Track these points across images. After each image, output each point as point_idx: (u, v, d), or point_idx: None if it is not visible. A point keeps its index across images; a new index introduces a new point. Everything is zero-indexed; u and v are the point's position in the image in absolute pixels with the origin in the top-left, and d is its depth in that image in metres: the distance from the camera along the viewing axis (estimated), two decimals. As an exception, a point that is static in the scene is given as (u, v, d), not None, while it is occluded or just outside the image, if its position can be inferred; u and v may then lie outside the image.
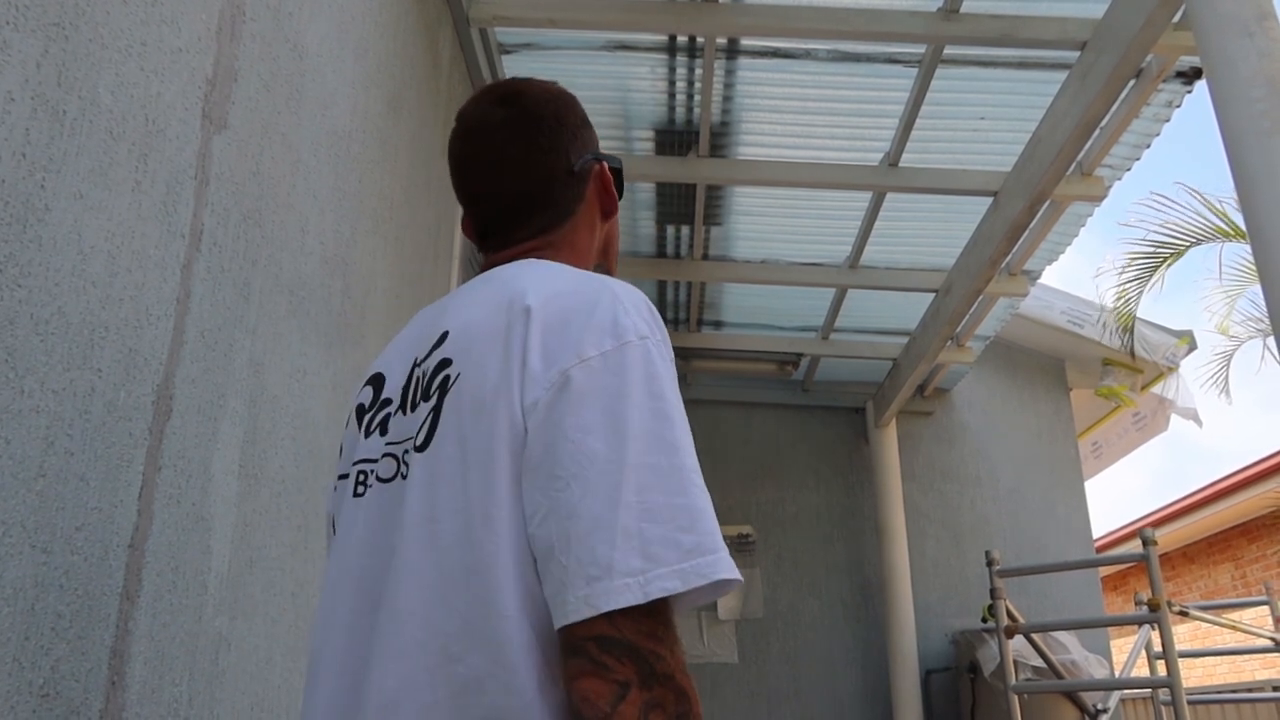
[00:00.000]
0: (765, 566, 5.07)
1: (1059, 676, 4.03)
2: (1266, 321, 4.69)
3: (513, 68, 3.14)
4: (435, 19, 2.56)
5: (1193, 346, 5.67)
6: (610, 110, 3.36)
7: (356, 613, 0.83)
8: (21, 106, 0.88)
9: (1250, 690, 6.26)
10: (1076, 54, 2.78)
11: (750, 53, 3.04)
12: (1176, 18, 2.45)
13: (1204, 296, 6.13)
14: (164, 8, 1.13)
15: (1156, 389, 5.83)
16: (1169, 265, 5.46)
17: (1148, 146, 3.27)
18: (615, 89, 3.26)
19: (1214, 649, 6.04)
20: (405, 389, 0.90)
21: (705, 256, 4.14)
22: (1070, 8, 2.74)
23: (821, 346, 4.85)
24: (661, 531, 0.73)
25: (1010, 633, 3.88)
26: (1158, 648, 4.22)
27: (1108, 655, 5.03)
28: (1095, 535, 5.75)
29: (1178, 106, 3.08)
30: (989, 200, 3.49)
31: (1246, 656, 8.25)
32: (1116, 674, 4.65)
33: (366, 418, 0.95)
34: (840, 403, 5.38)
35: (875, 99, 3.19)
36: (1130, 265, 5.44)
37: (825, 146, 3.43)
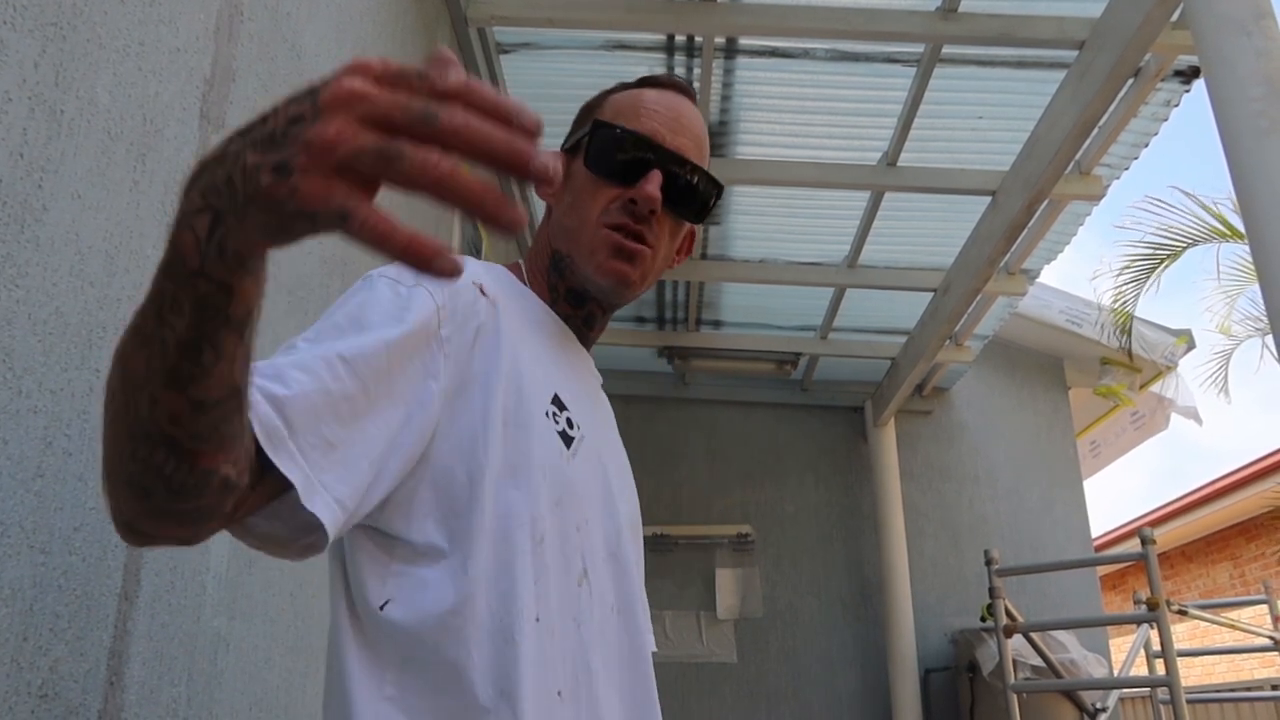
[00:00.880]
0: (764, 566, 5.07)
1: (1058, 676, 4.03)
2: (1265, 320, 4.68)
3: (511, 67, 3.14)
4: (433, 18, 2.56)
5: (1191, 345, 5.67)
6: (609, 110, 3.35)
7: None
8: (19, 106, 0.88)
9: (1249, 689, 6.27)
10: (1075, 53, 2.78)
11: (748, 52, 3.03)
12: (1174, 17, 2.45)
13: (1203, 296, 6.13)
14: (162, 7, 1.13)
15: (1155, 388, 5.84)
16: (1166, 267, 5.46)
17: (1146, 146, 3.27)
18: (614, 89, 3.26)
19: (1213, 648, 6.06)
20: None
21: (703, 256, 4.14)
22: (1068, 7, 2.74)
23: (820, 346, 4.85)
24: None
25: (1009, 632, 3.88)
26: (1156, 647, 4.22)
27: (1107, 654, 5.03)
28: (1094, 534, 5.75)
29: (1176, 106, 3.08)
30: (987, 199, 3.49)
31: (1245, 655, 8.26)
32: (1115, 673, 4.66)
33: None
34: (839, 402, 5.38)
35: (873, 98, 3.19)
36: (1127, 268, 5.45)
37: (823, 146, 3.43)
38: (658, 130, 0.99)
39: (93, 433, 0.99)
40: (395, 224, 0.46)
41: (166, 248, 0.55)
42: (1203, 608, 5.16)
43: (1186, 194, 5.36)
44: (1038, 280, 4.19)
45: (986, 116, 3.23)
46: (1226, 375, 6.35)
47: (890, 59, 3.00)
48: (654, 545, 5.00)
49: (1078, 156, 3.24)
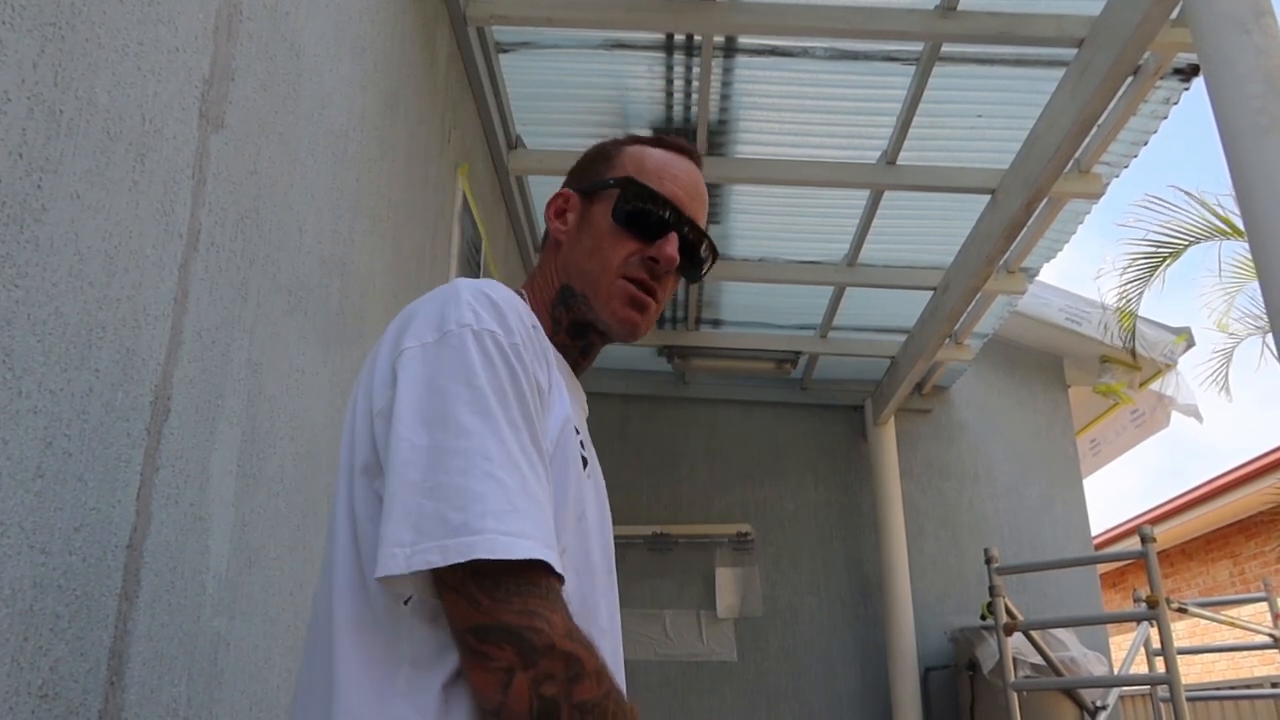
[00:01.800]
0: (764, 565, 5.07)
1: (1058, 674, 4.03)
2: (1265, 319, 4.69)
3: (510, 66, 3.14)
4: (432, 17, 2.56)
5: (1190, 343, 5.67)
6: (608, 109, 3.36)
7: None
8: (18, 106, 0.87)
9: (1249, 686, 6.27)
10: (1074, 51, 2.78)
11: (748, 51, 3.03)
12: (1174, 14, 2.46)
13: (1202, 294, 6.12)
14: (161, 7, 1.13)
15: (1155, 386, 5.83)
16: (1169, 264, 5.46)
17: (1145, 144, 3.27)
18: (613, 88, 3.26)
19: (1212, 645, 6.06)
20: None
21: (703, 255, 4.13)
22: (1067, 5, 2.74)
23: (820, 344, 4.85)
24: (435, 508, 0.77)
25: (1009, 630, 3.88)
26: (1156, 644, 4.22)
27: (1106, 652, 5.03)
28: (1094, 532, 5.75)
29: (1175, 104, 3.08)
30: (987, 198, 3.49)
31: (1245, 653, 8.26)
32: (1115, 671, 4.66)
33: None
34: (838, 401, 5.38)
35: (873, 97, 3.19)
36: (1130, 266, 5.44)
37: (823, 145, 3.43)
38: (679, 196, 1.10)
39: (93, 433, 0.99)
40: None
41: None
42: (1202, 605, 5.16)
43: (1188, 194, 5.35)
44: (1037, 278, 4.19)
45: (986, 115, 3.23)
46: (1227, 373, 6.35)
47: (889, 57, 3.00)
48: (654, 544, 5.00)
49: (1077, 155, 3.24)
